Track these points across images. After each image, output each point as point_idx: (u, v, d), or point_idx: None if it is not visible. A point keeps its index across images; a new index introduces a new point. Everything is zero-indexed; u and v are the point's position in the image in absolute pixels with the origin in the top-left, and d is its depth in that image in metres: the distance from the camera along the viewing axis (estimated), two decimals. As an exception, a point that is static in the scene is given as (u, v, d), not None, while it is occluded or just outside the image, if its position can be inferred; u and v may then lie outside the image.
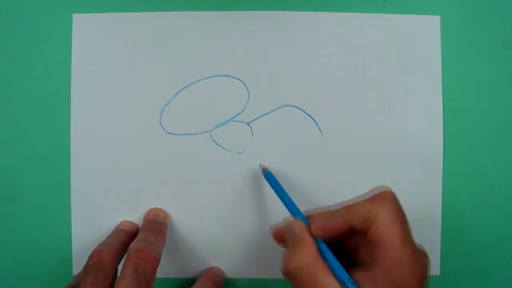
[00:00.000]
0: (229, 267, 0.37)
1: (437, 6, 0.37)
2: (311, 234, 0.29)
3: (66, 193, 0.36)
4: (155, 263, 0.30)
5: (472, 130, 0.37)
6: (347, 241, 0.30)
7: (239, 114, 0.36)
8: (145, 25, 0.36)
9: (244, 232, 0.37)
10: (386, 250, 0.26)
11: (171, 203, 0.36)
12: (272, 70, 0.36)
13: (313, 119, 0.37)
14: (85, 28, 0.36)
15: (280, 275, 0.37)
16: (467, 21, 0.37)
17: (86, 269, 0.30)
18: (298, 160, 0.37)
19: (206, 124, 0.36)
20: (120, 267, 0.30)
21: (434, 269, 0.37)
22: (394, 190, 0.35)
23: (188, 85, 0.36)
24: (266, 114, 0.37)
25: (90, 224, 0.36)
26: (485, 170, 0.37)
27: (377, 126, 0.37)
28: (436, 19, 0.37)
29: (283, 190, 0.33)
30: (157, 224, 0.35)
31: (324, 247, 0.29)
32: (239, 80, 0.36)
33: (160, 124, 0.36)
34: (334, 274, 0.27)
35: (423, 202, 0.37)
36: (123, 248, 0.32)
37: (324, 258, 0.28)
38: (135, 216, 0.36)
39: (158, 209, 0.36)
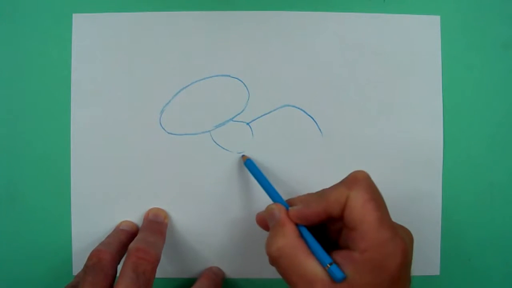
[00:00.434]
0: (229, 267, 0.37)
1: (437, 6, 0.37)
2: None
3: (66, 193, 0.36)
4: (155, 263, 0.30)
5: (472, 130, 0.37)
6: (330, 224, 0.30)
7: (239, 114, 0.36)
8: (145, 25, 0.36)
9: (244, 232, 0.37)
10: (362, 232, 0.26)
11: (171, 203, 0.36)
12: (272, 70, 0.36)
13: (313, 119, 0.37)
14: (85, 28, 0.36)
15: (279, 275, 0.37)
16: (467, 21, 0.37)
17: (86, 269, 0.30)
18: (298, 160, 0.37)
19: (206, 124, 0.36)
20: (120, 267, 0.30)
21: (434, 269, 0.37)
22: (394, 190, 0.35)
23: (188, 85, 0.36)
24: (266, 114, 0.37)
25: (90, 224, 0.36)
26: (485, 170, 0.37)
27: (377, 126, 0.37)
28: (436, 19, 0.37)
29: (263, 176, 0.33)
30: (157, 224, 0.35)
31: (304, 230, 0.29)
32: (239, 80, 0.36)
33: (160, 124, 0.36)
34: (315, 255, 0.27)
35: (423, 202, 0.37)
36: (123, 248, 0.32)
37: (305, 240, 0.28)
38: (135, 216, 0.36)
39: (158, 209, 0.36)
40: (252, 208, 0.37)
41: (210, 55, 0.36)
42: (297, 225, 0.29)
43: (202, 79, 0.36)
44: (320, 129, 0.37)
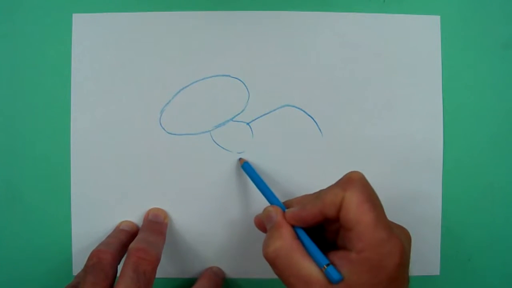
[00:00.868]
0: (229, 267, 0.37)
1: (437, 6, 0.37)
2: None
3: (66, 193, 0.36)
4: (155, 263, 0.30)
5: (472, 130, 0.37)
6: (327, 225, 0.30)
7: (239, 114, 0.36)
8: (145, 25, 0.36)
9: (244, 232, 0.37)
10: (359, 233, 0.26)
11: (171, 203, 0.36)
12: (272, 70, 0.36)
13: (313, 119, 0.37)
14: (85, 28, 0.36)
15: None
16: (467, 21, 0.37)
17: (86, 269, 0.30)
18: (298, 160, 0.37)
19: (206, 124, 0.36)
20: (120, 267, 0.30)
21: (434, 269, 0.37)
22: (394, 190, 0.35)
23: (188, 85, 0.36)
24: (266, 114, 0.37)
25: (90, 224, 0.36)
26: (485, 170, 0.37)
27: (377, 126, 0.37)
28: (436, 19, 0.37)
29: (260, 179, 0.34)
30: (157, 224, 0.35)
31: (300, 231, 0.29)
32: (239, 80, 0.36)
33: (160, 124, 0.36)
34: (312, 257, 0.27)
35: (423, 202, 0.37)
36: (123, 248, 0.32)
37: (302, 242, 0.28)
38: (135, 216, 0.36)
39: (158, 209, 0.36)
40: (252, 208, 0.37)
41: (210, 55, 0.36)
42: (294, 226, 0.29)
43: (202, 79, 0.36)
44: (320, 129, 0.37)
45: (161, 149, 0.36)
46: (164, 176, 0.36)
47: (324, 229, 0.30)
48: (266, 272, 0.37)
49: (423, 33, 0.37)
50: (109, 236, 0.34)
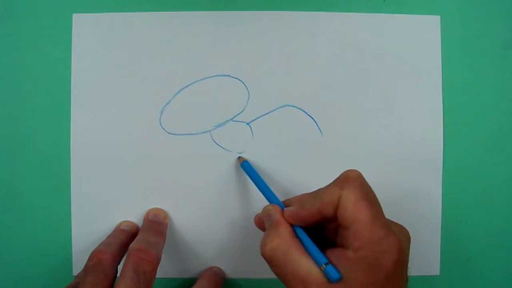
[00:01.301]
0: (229, 267, 0.37)
1: (437, 6, 0.37)
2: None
3: (66, 193, 0.36)
4: (155, 263, 0.30)
5: (472, 130, 0.37)
6: (326, 224, 0.30)
7: (239, 114, 0.36)
8: (145, 25, 0.36)
9: (244, 232, 0.37)
10: (356, 231, 0.26)
11: (171, 203, 0.36)
12: (272, 70, 0.36)
13: (313, 119, 0.37)
14: (85, 28, 0.36)
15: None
16: (467, 21, 0.37)
17: (86, 269, 0.30)
18: (298, 160, 0.37)
19: (206, 124, 0.36)
20: (120, 267, 0.30)
21: (434, 269, 0.37)
22: (394, 190, 0.35)
23: (188, 85, 0.36)
24: (266, 114, 0.37)
25: (90, 224, 0.36)
26: (485, 170, 0.37)
27: (377, 126, 0.37)
28: (436, 19, 0.37)
29: (259, 178, 0.34)
30: (157, 224, 0.35)
31: (299, 230, 0.29)
32: (239, 80, 0.36)
33: (160, 124, 0.36)
34: (310, 255, 0.27)
35: (423, 202, 0.37)
36: (123, 248, 0.32)
37: (300, 241, 0.28)
38: (135, 216, 0.36)
39: (158, 209, 0.36)
40: (252, 208, 0.37)
41: (210, 55, 0.36)
42: (293, 225, 0.29)
43: (202, 79, 0.36)
44: (320, 129, 0.37)
45: (161, 149, 0.36)
46: (164, 176, 0.36)
47: (323, 228, 0.30)
48: (266, 272, 0.37)
49: (423, 33, 0.37)
50: (109, 236, 0.34)
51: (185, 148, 0.36)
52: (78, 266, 0.36)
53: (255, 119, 0.36)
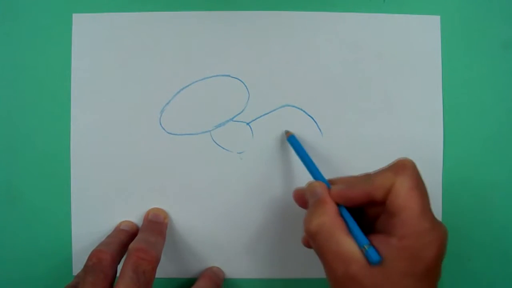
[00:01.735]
0: (229, 267, 0.37)
1: (437, 6, 0.37)
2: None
3: (66, 193, 0.36)
4: (155, 263, 0.30)
5: (472, 130, 0.37)
6: (367, 208, 0.30)
7: (239, 114, 0.36)
8: (145, 25, 0.36)
9: (244, 232, 0.37)
10: (404, 220, 0.26)
11: (171, 203, 0.36)
12: (272, 70, 0.36)
13: (313, 119, 0.37)
14: (85, 28, 0.36)
15: (279, 275, 0.37)
16: (467, 21, 0.37)
17: (86, 269, 0.30)
18: (298, 160, 0.36)
19: (206, 124, 0.36)
20: (120, 267, 0.30)
21: (434, 269, 0.37)
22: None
23: (188, 85, 0.36)
24: (266, 114, 0.37)
25: (90, 224, 0.36)
26: (485, 170, 0.37)
27: (377, 126, 0.37)
28: (436, 19, 0.37)
29: (306, 154, 0.33)
30: (157, 224, 0.35)
31: (344, 210, 0.29)
32: (239, 80, 0.36)
33: (160, 124, 0.36)
34: (353, 236, 0.27)
35: (423, 202, 0.37)
36: (123, 248, 0.32)
37: (344, 220, 0.28)
38: (135, 216, 0.36)
39: (158, 209, 0.36)
40: (253, 208, 0.36)
41: (210, 55, 0.36)
42: (337, 205, 0.29)
43: (202, 79, 0.36)
44: (320, 129, 0.37)
45: (161, 149, 0.36)
46: (164, 176, 0.36)
47: (362, 212, 0.30)
48: (266, 272, 0.37)
49: (423, 33, 0.37)
50: (109, 236, 0.34)
51: (185, 148, 0.36)
52: (78, 266, 0.36)
53: (255, 119, 0.36)
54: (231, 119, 0.36)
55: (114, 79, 0.36)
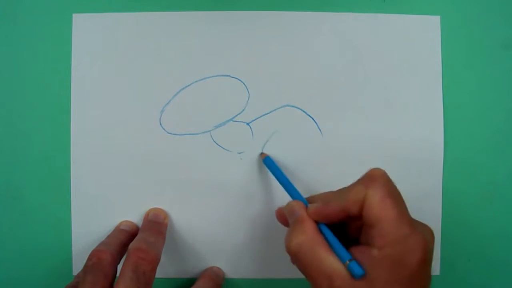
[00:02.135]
0: (229, 267, 0.37)
1: (437, 6, 0.37)
2: None
3: (66, 193, 0.36)
4: (155, 263, 0.30)
5: (472, 130, 0.37)
6: (350, 222, 0.30)
7: (239, 114, 0.36)
8: (145, 25, 0.36)
9: (244, 232, 0.37)
10: (381, 229, 0.26)
11: (171, 203, 0.36)
12: (272, 70, 0.36)
13: (313, 119, 0.37)
14: (85, 28, 0.36)
15: (279, 275, 0.37)
16: (467, 21, 0.37)
17: (86, 269, 0.30)
18: (298, 160, 0.37)
19: (206, 124, 0.36)
20: (120, 267, 0.30)
21: (434, 269, 0.37)
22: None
23: (188, 85, 0.36)
24: (266, 114, 0.37)
25: (90, 224, 0.36)
26: (485, 170, 0.37)
27: (377, 126, 0.37)
28: (436, 19, 0.37)
29: (282, 174, 0.34)
30: (157, 224, 0.35)
31: (323, 227, 0.29)
32: (239, 80, 0.36)
33: (160, 124, 0.36)
34: (334, 252, 0.27)
35: (423, 202, 0.37)
36: (123, 248, 0.32)
37: (324, 237, 0.28)
38: (135, 216, 0.36)
39: (158, 209, 0.36)
40: (252, 208, 0.36)
41: (210, 55, 0.36)
42: (317, 222, 0.29)
43: (202, 79, 0.36)
44: (320, 129, 0.37)
45: (161, 149, 0.36)
46: (164, 176, 0.36)
47: (346, 226, 0.30)
48: (266, 272, 0.37)
49: (423, 33, 0.37)
50: (109, 236, 0.34)
51: (185, 148, 0.36)
52: (78, 266, 0.36)
53: (255, 119, 0.36)
54: (231, 119, 0.36)
55: (114, 79, 0.36)
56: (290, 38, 0.36)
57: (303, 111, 0.37)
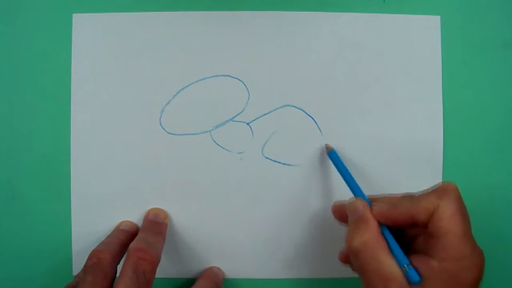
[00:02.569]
0: (229, 267, 0.37)
1: (437, 6, 0.37)
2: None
3: (66, 193, 0.36)
4: (155, 263, 0.30)
5: (472, 130, 0.37)
6: (406, 228, 0.30)
7: (239, 114, 0.36)
8: (145, 25, 0.36)
9: (244, 232, 0.37)
10: (446, 243, 0.27)
11: (171, 203, 0.36)
12: (272, 70, 0.36)
13: (313, 119, 0.37)
14: (85, 28, 0.36)
15: (279, 275, 0.37)
16: (467, 21, 0.37)
17: (86, 269, 0.30)
18: (298, 160, 0.36)
19: (206, 124, 0.36)
20: (120, 267, 0.30)
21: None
22: (394, 190, 0.35)
23: (188, 85, 0.36)
24: (266, 114, 0.37)
25: (90, 224, 0.36)
26: (485, 170, 0.37)
27: (377, 126, 0.37)
28: (436, 19, 0.37)
29: (346, 169, 0.34)
30: (157, 225, 0.35)
31: (385, 229, 0.29)
32: (239, 80, 0.36)
33: (160, 124, 0.36)
34: (393, 255, 0.28)
35: (423, 202, 0.37)
36: (122, 248, 0.32)
37: (385, 239, 0.29)
38: (135, 216, 0.36)
39: (158, 209, 0.36)
40: (252, 207, 0.36)
41: (210, 55, 0.36)
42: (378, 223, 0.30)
43: (202, 79, 0.36)
44: (320, 129, 0.37)
45: (161, 149, 0.36)
46: (164, 176, 0.36)
47: (400, 232, 0.30)
48: (266, 272, 0.37)
49: (423, 33, 0.37)
50: (109, 236, 0.34)
51: (185, 148, 0.36)
52: (78, 266, 0.36)
53: (255, 119, 0.36)
54: (231, 119, 0.36)
55: (114, 79, 0.36)
56: (290, 38, 0.36)
57: (303, 111, 0.37)
